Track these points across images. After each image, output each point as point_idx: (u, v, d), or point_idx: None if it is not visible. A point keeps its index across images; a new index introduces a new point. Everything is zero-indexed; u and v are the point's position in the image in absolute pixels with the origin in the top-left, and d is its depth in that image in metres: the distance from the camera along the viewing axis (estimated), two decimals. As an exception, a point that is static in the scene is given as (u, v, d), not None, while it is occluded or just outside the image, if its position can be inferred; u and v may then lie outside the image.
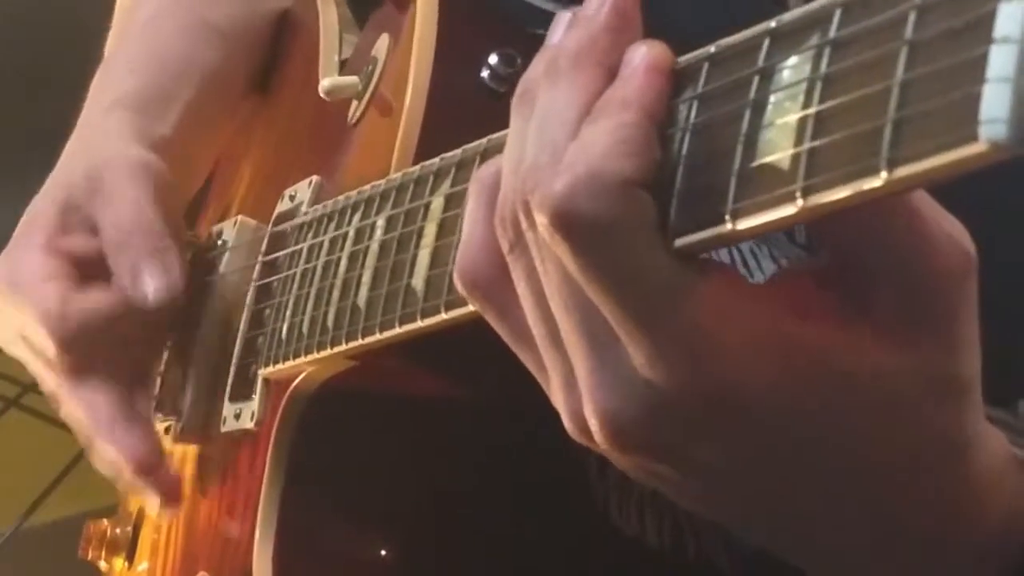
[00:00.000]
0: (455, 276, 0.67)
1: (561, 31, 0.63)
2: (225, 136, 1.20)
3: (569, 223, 0.58)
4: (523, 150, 0.62)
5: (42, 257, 1.03)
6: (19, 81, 2.40)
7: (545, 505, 0.91)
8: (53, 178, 1.10)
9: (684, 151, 0.59)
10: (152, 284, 1.01)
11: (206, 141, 1.17)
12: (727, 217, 0.56)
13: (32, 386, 2.42)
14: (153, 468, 1.02)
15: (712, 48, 0.60)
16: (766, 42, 0.57)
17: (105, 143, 1.09)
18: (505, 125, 0.77)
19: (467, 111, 0.91)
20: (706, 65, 0.59)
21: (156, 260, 1.02)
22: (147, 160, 1.07)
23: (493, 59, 0.91)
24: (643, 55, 0.60)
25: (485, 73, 0.91)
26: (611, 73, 0.61)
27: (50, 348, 1.01)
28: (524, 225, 0.62)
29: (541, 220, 0.59)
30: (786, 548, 0.66)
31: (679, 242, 0.58)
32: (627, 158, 0.58)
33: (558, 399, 0.64)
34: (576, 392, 0.62)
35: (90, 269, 1.03)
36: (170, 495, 1.03)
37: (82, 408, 1.03)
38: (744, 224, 0.55)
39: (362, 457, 0.90)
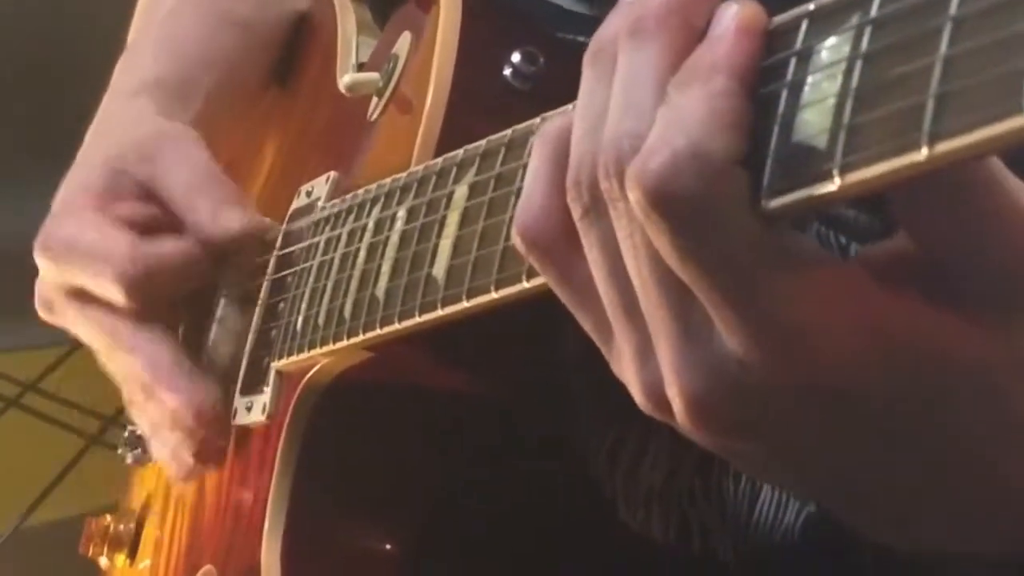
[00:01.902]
0: (514, 231, 0.64)
1: None
2: (243, 127, 1.20)
3: (669, 202, 0.55)
4: (599, 111, 0.59)
5: (98, 215, 1.03)
6: (20, 81, 2.40)
7: (553, 498, 0.90)
8: (83, 160, 1.10)
9: (780, 111, 0.55)
10: (236, 218, 1.01)
11: (225, 131, 1.17)
12: (835, 173, 0.53)
13: (32, 386, 2.45)
14: (214, 419, 1.00)
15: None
16: None
17: (138, 123, 1.10)
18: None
19: (489, 109, 0.91)
20: (805, 22, 0.56)
21: (235, 201, 1.03)
22: (195, 131, 1.09)
23: (516, 58, 0.91)
24: (734, 14, 0.57)
25: (508, 71, 0.91)
26: (699, 34, 0.58)
27: (115, 292, 1.00)
28: (615, 195, 0.58)
29: (636, 196, 0.56)
30: (868, 521, 0.64)
31: (774, 203, 0.55)
32: (728, 131, 0.55)
33: (628, 369, 0.62)
34: (652, 365, 0.60)
35: (144, 233, 1.02)
36: (213, 454, 1.02)
37: (142, 356, 1.02)
38: (853, 178, 0.52)
39: (374, 450, 0.90)
